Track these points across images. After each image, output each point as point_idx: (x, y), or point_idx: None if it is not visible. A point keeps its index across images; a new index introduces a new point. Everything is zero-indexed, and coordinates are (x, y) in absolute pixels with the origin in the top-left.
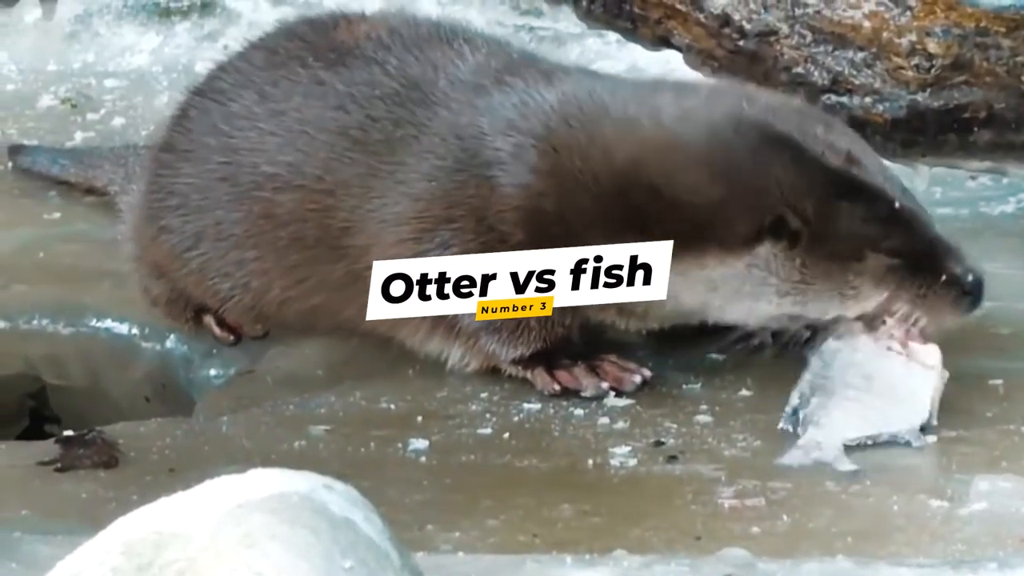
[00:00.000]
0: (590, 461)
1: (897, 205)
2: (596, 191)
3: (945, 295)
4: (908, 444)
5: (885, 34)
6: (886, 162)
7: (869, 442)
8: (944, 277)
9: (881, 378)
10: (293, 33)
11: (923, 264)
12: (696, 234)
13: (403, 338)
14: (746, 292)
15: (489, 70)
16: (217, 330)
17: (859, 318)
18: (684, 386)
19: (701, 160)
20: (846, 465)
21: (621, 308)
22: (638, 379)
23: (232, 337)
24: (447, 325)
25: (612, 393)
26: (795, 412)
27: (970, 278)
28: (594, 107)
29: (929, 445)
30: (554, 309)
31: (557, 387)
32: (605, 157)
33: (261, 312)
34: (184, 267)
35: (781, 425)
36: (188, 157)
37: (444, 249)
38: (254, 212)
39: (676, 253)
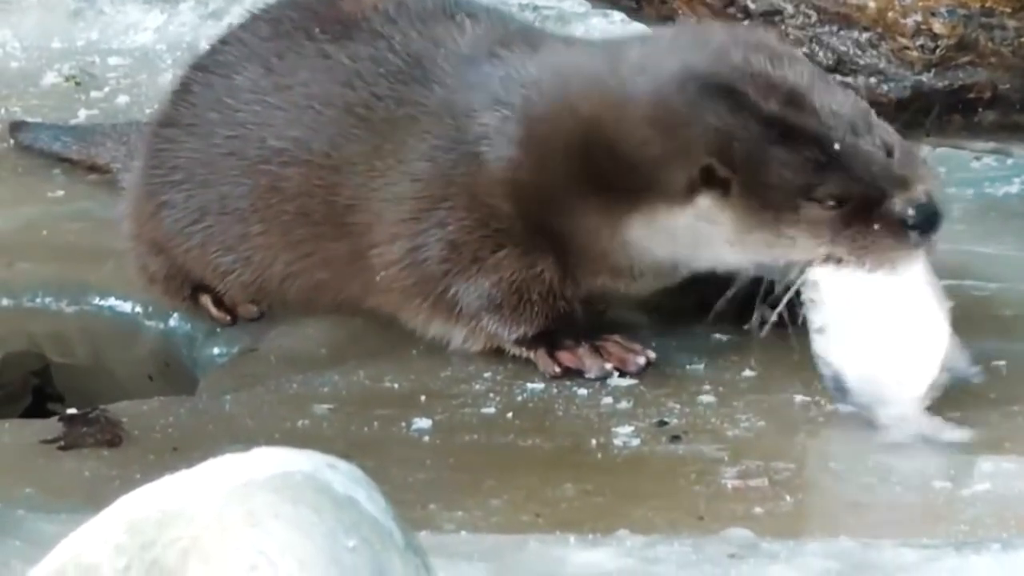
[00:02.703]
0: (593, 441)
1: (837, 147)
2: (566, 153)
3: (885, 235)
4: (969, 379)
5: (890, 14)
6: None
7: (937, 394)
8: (878, 222)
9: (885, 317)
10: (297, 3)
11: (862, 207)
12: (646, 188)
13: (405, 320)
14: (700, 243)
15: (483, 43)
16: (214, 310)
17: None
18: (688, 366)
19: (645, 113)
20: (955, 434)
21: (612, 270)
22: (642, 360)
23: (229, 317)
24: (447, 307)
25: (615, 373)
26: (838, 383)
27: (910, 211)
28: (564, 73)
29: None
30: (554, 282)
31: (558, 369)
32: (573, 117)
33: (262, 287)
34: (185, 242)
35: (838, 404)
36: (192, 131)
37: (440, 228)
38: (260, 185)
39: (637, 207)
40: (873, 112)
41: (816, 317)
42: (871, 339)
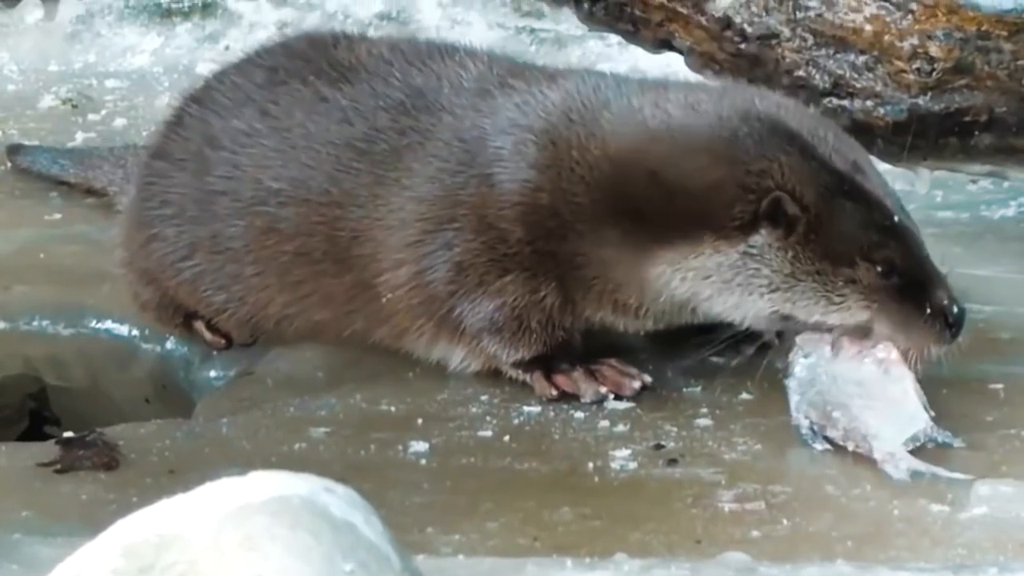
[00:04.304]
0: (590, 464)
1: (896, 219)
2: (591, 181)
3: (930, 326)
4: (949, 444)
5: (886, 37)
6: (886, 165)
7: (914, 444)
8: (930, 308)
9: (868, 384)
10: (292, 51)
11: (912, 288)
12: (693, 219)
13: (409, 345)
14: (737, 283)
15: (492, 76)
16: (208, 335)
17: (837, 329)
18: (684, 389)
19: (704, 143)
20: (952, 475)
21: (616, 305)
22: (637, 384)
23: (224, 341)
24: (451, 328)
25: (610, 397)
26: (812, 427)
27: (955, 309)
28: (597, 101)
29: (928, 449)
30: (554, 310)
31: (554, 392)
32: (603, 146)
33: (258, 326)
34: (176, 276)
35: (817, 446)
36: (183, 167)
37: (447, 250)
38: (256, 226)
39: (670, 240)
40: None
41: (804, 370)
42: (856, 392)
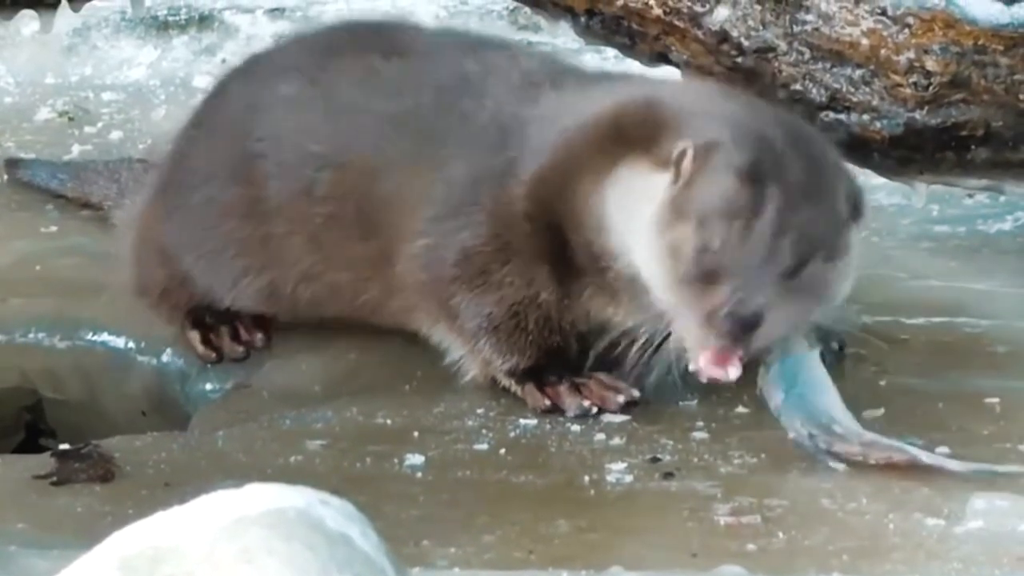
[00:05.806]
0: (586, 477)
1: (759, 223)
2: (581, 144)
3: (702, 320)
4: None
5: (883, 51)
6: (882, 179)
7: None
8: (708, 302)
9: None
10: (346, 28)
11: (708, 277)
12: (637, 148)
13: (416, 324)
14: (636, 206)
15: (542, 71)
16: (200, 348)
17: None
18: (680, 403)
19: (668, 100)
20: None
21: (598, 274)
22: (623, 399)
23: (214, 355)
24: (449, 316)
25: (595, 409)
26: (812, 438)
27: (725, 312)
28: (618, 94)
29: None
30: (551, 308)
31: (547, 403)
32: (595, 117)
33: (274, 293)
34: (197, 248)
35: (821, 459)
36: (221, 134)
37: (460, 232)
38: (292, 189)
39: (618, 171)
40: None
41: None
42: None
